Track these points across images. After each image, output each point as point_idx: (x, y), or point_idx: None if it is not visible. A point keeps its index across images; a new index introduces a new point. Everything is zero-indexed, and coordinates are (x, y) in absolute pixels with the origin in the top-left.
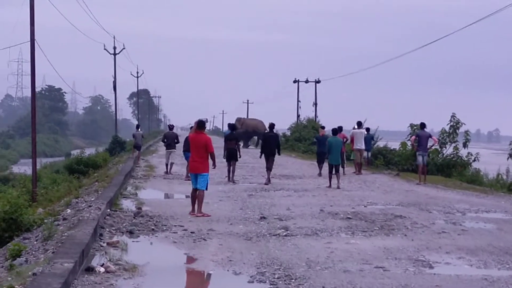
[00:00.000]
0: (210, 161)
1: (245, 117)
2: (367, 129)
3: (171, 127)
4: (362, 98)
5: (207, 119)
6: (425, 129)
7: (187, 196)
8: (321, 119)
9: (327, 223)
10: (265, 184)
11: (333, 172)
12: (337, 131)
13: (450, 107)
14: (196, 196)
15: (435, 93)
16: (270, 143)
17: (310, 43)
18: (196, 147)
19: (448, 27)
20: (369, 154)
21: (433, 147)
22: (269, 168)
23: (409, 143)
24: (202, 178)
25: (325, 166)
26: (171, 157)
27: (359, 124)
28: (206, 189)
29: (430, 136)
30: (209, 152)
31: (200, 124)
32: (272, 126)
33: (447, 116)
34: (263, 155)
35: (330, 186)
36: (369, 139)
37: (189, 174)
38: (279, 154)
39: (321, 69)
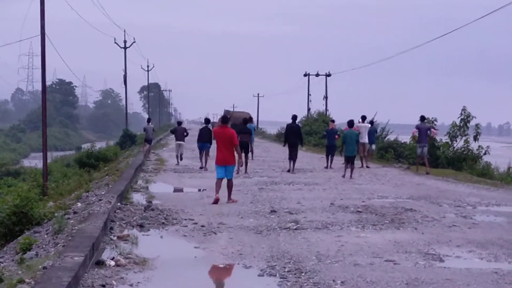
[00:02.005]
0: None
1: (233, 110)
2: (371, 122)
3: (179, 123)
4: (373, 92)
5: (229, 115)
6: (424, 122)
7: (198, 190)
8: (331, 112)
9: (338, 216)
10: (292, 172)
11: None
12: (352, 123)
13: (461, 100)
14: (227, 185)
15: (446, 86)
16: (293, 134)
17: (321, 36)
18: (222, 140)
19: (457, 19)
20: (373, 146)
21: (435, 137)
22: (293, 158)
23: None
24: (232, 169)
25: (336, 160)
26: (180, 148)
27: (364, 118)
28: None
29: (429, 129)
30: (234, 145)
31: (225, 119)
32: (294, 117)
33: (458, 109)
34: (287, 144)
35: (344, 176)
36: (373, 132)
37: (215, 165)
38: (301, 144)
39: (332, 62)
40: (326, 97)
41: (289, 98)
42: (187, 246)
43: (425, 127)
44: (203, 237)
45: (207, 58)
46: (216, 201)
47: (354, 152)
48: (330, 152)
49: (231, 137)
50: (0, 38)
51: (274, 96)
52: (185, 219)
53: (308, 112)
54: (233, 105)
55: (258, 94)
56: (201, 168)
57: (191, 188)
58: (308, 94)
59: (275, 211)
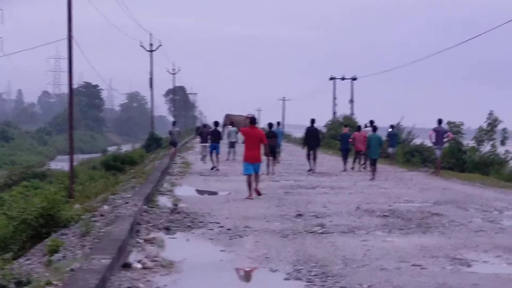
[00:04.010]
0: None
1: (233, 113)
2: (391, 126)
3: (204, 125)
4: (399, 95)
5: (229, 118)
6: (441, 125)
7: (222, 192)
8: (357, 116)
9: (364, 220)
10: (313, 171)
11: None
12: (376, 128)
13: (489, 104)
14: (255, 178)
15: (474, 90)
16: (313, 137)
17: (346, 39)
18: (252, 139)
19: (483, 23)
20: (394, 150)
21: (448, 141)
22: (314, 158)
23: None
24: (259, 165)
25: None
26: (205, 150)
27: (372, 123)
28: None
29: (446, 132)
30: (264, 143)
31: (253, 120)
32: (313, 121)
33: (485, 114)
34: (306, 147)
35: (373, 178)
36: (394, 135)
37: (244, 163)
38: (318, 145)
39: (358, 65)
40: (352, 101)
41: (314, 101)
42: (213, 249)
43: (442, 130)
44: (229, 240)
45: (233, 61)
46: (249, 198)
47: (378, 155)
48: (344, 154)
49: (260, 136)
50: (27, 41)
51: (299, 99)
52: (211, 222)
53: (333, 116)
54: (259, 108)
55: (284, 98)
56: (212, 169)
57: (217, 191)
58: (334, 98)
59: (301, 215)
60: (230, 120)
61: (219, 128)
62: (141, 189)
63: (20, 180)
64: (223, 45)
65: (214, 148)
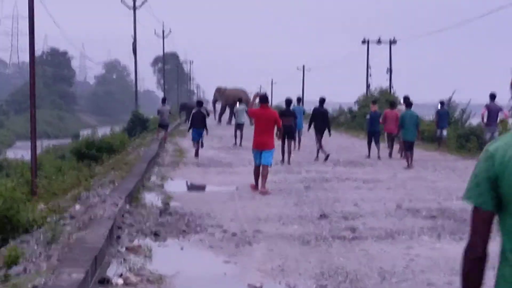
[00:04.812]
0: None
1: (226, 87)
2: (441, 103)
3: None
4: (451, 64)
5: (221, 92)
6: (495, 101)
7: (226, 187)
8: (397, 89)
9: (406, 222)
10: (316, 159)
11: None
12: (411, 104)
13: None
14: (261, 173)
15: None
16: (321, 119)
17: None
18: (264, 122)
19: None
20: (444, 132)
21: (503, 121)
22: (319, 143)
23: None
24: (269, 154)
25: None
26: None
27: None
28: (271, 165)
29: (501, 110)
30: (278, 127)
31: (264, 99)
32: (322, 101)
33: None
34: (312, 129)
35: (408, 166)
36: (445, 114)
37: (253, 150)
38: (329, 133)
39: (396, 27)
40: (390, 70)
41: (343, 71)
42: (215, 260)
43: (496, 107)
44: (235, 248)
45: (238, 22)
46: (253, 188)
47: (414, 137)
48: (371, 138)
49: (274, 118)
50: None
51: (323, 68)
52: (212, 226)
53: (367, 89)
54: (272, 80)
55: (304, 67)
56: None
57: (218, 186)
58: (367, 67)
59: (325, 216)
60: (222, 94)
61: (204, 109)
62: (123, 184)
63: None
64: (227, 1)
65: (199, 134)
